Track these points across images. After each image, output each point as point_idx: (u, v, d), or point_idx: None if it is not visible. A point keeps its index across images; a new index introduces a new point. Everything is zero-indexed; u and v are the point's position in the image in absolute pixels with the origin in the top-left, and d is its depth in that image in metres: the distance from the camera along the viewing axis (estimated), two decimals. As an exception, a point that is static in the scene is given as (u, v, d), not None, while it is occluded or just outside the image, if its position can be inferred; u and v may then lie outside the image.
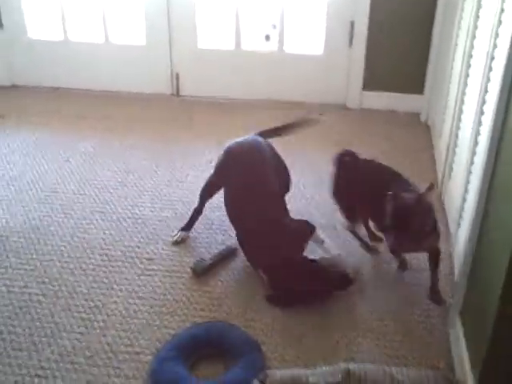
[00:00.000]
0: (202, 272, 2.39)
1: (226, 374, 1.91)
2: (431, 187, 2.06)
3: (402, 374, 1.72)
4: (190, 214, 2.70)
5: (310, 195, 2.92)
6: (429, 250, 2.21)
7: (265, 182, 2.39)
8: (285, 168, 2.60)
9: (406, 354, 2.01)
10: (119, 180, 3.07)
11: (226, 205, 2.46)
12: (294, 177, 3.02)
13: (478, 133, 2.19)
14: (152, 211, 2.81)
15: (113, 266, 2.45)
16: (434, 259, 2.22)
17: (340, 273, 2.19)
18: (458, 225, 2.38)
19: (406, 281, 2.36)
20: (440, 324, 2.12)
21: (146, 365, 1.98)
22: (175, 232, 2.62)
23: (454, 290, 2.14)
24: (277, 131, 2.71)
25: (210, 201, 2.86)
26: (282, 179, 2.52)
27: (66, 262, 2.47)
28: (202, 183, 2.98)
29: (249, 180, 2.40)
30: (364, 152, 2.56)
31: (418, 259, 2.39)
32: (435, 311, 2.18)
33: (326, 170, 3.03)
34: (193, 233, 2.65)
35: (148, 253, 2.53)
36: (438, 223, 2.20)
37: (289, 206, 2.78)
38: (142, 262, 2.47)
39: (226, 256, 2.49)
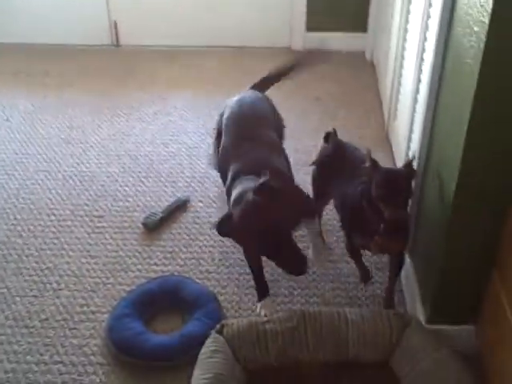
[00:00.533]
0: (154, 226, 2.37)
1: (184, 327, 1.92)
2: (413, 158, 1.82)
3: (356, 314, 1.76)
4: (138, 167, 2.67)
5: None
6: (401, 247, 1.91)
7: (268, 135, 2.15)
8: (281, 121, 2.38)
9: (359, 294, 2.06)
10: (62, 137, 2.98)
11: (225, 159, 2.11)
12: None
13: (420, 71, 2.19)
14: (99, 167, 2.75)
15: (62, 226, 2.40)
16: (398, 262, 1.95)
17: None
18: (405, 163, 2.40)
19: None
20: (391, 262, 2.16)
21: (103, 323, 1.97)
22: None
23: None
24: (268, 81, 2.53)
25: (158, 151, 2.83)
26: (279, 133, 2.30)
27: (12, 224, 2.42)
28: (148, 135, 2.95)
29: (252, 132, 2.13)
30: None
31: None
32: (386, 250, 2.22)
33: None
34: (141, 186, 2.61)
35: (97, 210, 2.49)
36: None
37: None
38: (91, 220, 2.43)
39: (177, 209, 2.47)
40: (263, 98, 2.34)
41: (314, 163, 2.17)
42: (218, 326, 1.73)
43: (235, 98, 2.29)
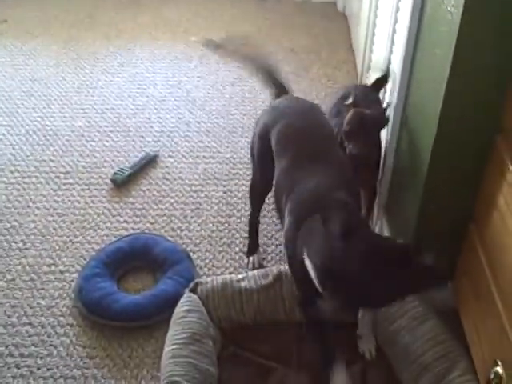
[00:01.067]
0: (123, 182, 2.29)
1: (156, 286, 1.87)
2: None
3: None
4: (104, 122, 2.59)
5: (228, 95, 2.81)
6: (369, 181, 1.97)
7: (335, 153, 1.73)
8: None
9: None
10: (24, 90, 2.86)
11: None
12: (212, 77, 2.93)
13: (396, 20, 2.13)
14: (64, 121, 2.65)
15: (26, 183, 2.31)
16: (371, 197, 2.00)
17: None
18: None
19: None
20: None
21: (72, 283, 1.91)
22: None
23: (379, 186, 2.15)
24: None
25: (125, 105, 2.74)
26: None
27: (-26, 182, 2.32)
28: (114, 88, 2.85)
29: (317, 151, 1.68)
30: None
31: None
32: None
33: (241, 66, 2.95)
34: (108, 141, 2.53)
35: (63, 166, 2.40)
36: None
37: (208, 107, 2.72)
38: (57, 177, 2.34)
39: (146, 164, 2.39)
40: (316, 106, 1.89)
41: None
42: (191, 285, 1.69)
43: (282, 105, 1.81)
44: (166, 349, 1.51)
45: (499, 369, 1.32)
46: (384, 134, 1.97)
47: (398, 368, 1.57)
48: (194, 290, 1.69)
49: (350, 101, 1.90)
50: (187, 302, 1.63)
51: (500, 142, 1.41)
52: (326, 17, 3.46)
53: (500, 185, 1.38)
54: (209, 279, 1.73)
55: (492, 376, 1.32)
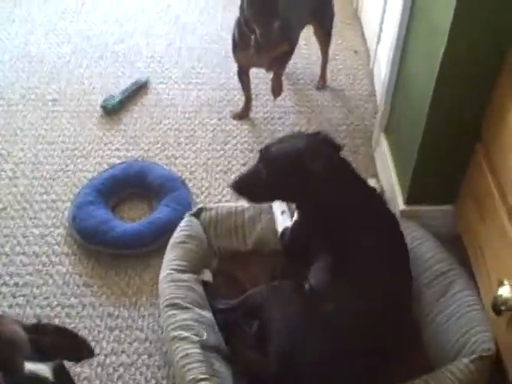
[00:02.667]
0: (113, 109, 2.21)
1: (152, 214, 1.83)
2: None
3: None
4: (91, 48, 2.49)
5: (220, 19, 2.70)
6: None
7: None
8: None
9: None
10: (5, 15, 2.73)
11: None
12: (202, 1, 2.81)
13: None
14: (49, 48, 2.54)
15: (13, 111, 2.23)
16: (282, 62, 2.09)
17: None
18: (378, 40, 2.28)
19: (324, 104, 2.27)
20: (364, 145, 2.09)
21: (65, 212, 1.87)
22: None
23: (377, 109, 2.09)
24: None
25: (112, 31, 2.64)
26: None
27: (-42, 110, 2.23)
28: (100, 13, 2.73)
29: None
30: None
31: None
32: (359, 132, 2.14)
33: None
34: (96, 68, 2.43)
35: (50, 93, 2.31)
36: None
37: (199, 32, 2.62)
38: (45, 104, 2.26)
39: (137, 91, 2.30)
40: None
41: None
42: (194, 210, 1.65)
43: None
44: (165, 272, 1.49)
45: (506, 287, 1.31)
46: (387, 54, 1.91)
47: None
48: (196, 215, 1.65)
49: None
50: (188, 226, 1.59)
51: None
52: None
53: (511, 100, 1.33)
54: (214, 206, 1.69)
55: (498, 294, 1.31)
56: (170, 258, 1.52)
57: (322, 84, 2.33)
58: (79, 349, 1.12)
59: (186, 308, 1.39)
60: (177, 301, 1.40)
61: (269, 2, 1.83)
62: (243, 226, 1.65)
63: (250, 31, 1.88)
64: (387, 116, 1.93)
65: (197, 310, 1.40)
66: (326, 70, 2.34)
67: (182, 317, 1.36)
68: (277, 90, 2.11)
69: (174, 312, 1.37)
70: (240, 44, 1.98)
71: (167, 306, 1.40)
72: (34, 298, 1.65)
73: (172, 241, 1.57)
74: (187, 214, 1.65)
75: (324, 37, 2.25)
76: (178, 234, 1.58)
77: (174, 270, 1.48)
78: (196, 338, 1.32)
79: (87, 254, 1.76)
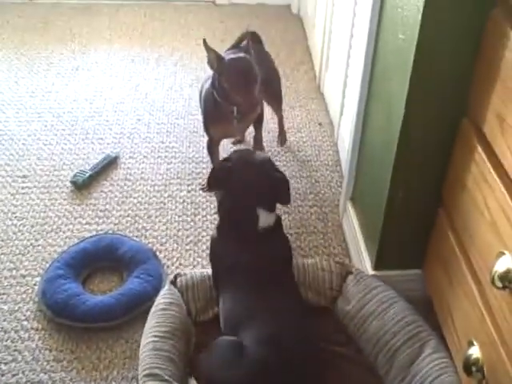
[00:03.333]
0: (83, 184, 2.24)
1: (123, 286, 1.83)
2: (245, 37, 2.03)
3: (298, 262, 1.73)
4: (61, 125, 2.53)
5: (187, 96, 2.79)
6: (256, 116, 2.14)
7: None
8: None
9: (302, 245, 2.02)
10: (-25, 95, 2.77)
11: None
12: (170, 79, 2.90)
13: (352, 25, 2.17)
14: (18, 125, 2.57)
15: (-18, 188, 2.24)
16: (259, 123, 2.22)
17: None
18: (341, 113, 2.37)
19: (291, 175, 2.32)
20: (332, 213, 2.14)
21: (35, 287, 1.85)
22: None
23: (343, 178, 2.15)
24: None
25: (82, 108, 2.69)
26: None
27: None
28: (70, 91, 2.79)
29: None
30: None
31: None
32: (326, 201, 2.19)
33: (201, 69, 2.95)
34: (66, 144, 2.47)
35: (20, 170, 2.33)
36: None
37: (168, 109, 2.69)
38: (14, 181, 2.27)
39: (107, 166, 2.34)
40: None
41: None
42: (171, 277, 1.66)
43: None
44: (146, 340, 1.46)
45: (475, 348, 1.33)
46: (349, 126, 1.98)
47: (371, 353, 1.56)
48: (173, 283, 1.65)
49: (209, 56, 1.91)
50: (168, 294, 1.59)
51: (466, 124, 1.43)
52: (281, 19, 3.47)
53: (468, 165, 1.40)
54: (187, 271, 1.70)
55: (468, 355, 1.33)
56: (152, 325, 1.51)
57: (282, 139, 2.40)
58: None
59: (166, 380, 1.36)
60: (157, 371, 1.37)
61: (248, 71, 1.86)
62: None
63: (230, 103, 1.90)
64: (352, 184, 1.99)
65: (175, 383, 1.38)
66: (283, 125, 2.40)
67: (161, 389, 1.34)
68: (260, 144, 2.25)
69: (154, 383, 1.35)
70: (215, 117, 2.00)
71: (146, 375, 1.37)
72: (2, 375, 1.61)
73: (154, 308, 1.56)
74: (168, 282, 1.65)
75: (274, 96, 2.29)
76: (159, 301, 1.57)
77: (157, 337, 1.46)
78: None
79: (57, 329, 1.74)
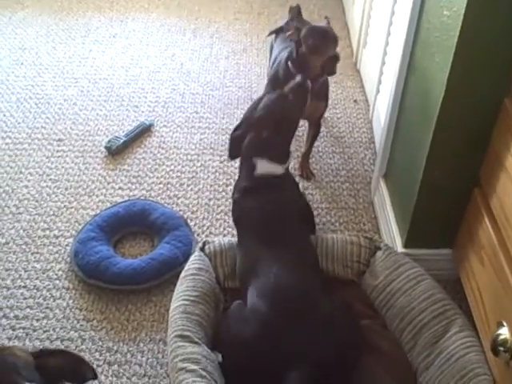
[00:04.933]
0: (117, 150, 2.26)
1: (154, 251, 1.85)
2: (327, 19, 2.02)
3: (326, 236, 1.73)
4: (97, 91, 2.56)
5: (223, 68, 2.78)
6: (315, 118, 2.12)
7: None
8: None
9: (332, 220, 2.02)
10: (14, 58, 2.80)
11: None
12: (206, 50, 2.90)
13: (395, 1, 2.14)
14: (55, 90, 2.60)
15: (18, 149, 2.27)
16: (315, 132, 2.16)
17: None
18: (377, 91, 2.35)
19: (324, 151, 2.32)
20: (364, 190, 2.13)
21: (67, 248, 1.88)
22: None
23: (376, 156, 2.14)
24: None
25: (118, 75, 2.71)
26: None
27: (-36, 147, 2.27)
28: (106, 59, 2.81)
29: None
30: (277, 23, 2.47)
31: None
32: (358, 177, 2.19)
33: (238, 42, 2.94)
34: (102, 110, 2.49)
35: (56, 133, 2.35)
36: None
37: (203, 80, 2.69)
38: (50, 144, 2.30)
39: (141, 133, 2.36)
40: None
41: (270, 33, 2.30)
42: (200, 244, 1.67)
43: None
44: (177, 303, 1.48)
45: (505, 329, 1.33)
46: (385, 104, 1.97)
47: (396, 329, 1.56)
48: (202, 249, 1.67)
49: (291, 30, 1.95)
50: (198, 260, 1.61)
51: (509, 105, 1.41)
52: (320, -5, 3.44)
53: (508, 145, 1.38)
54: (216, 239, 1.71)
55: (497, 335, 1.33)
56: (183, 289, 1.52)
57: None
58: (82, 371, 1.13)
59: (196, 343, 1.38)
60: (187, 333, 1.39)
61: (327, 33, 1.92)
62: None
63: (304, 69, 1.88)
64: (386, 162, 1.98)
65: (205, 347, 1.40)
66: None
67: (191, 350, 1.35)
68: (306, 162, 2.19)
69: (184, 344, 1.36)
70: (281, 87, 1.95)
71: (177, 336, 1.38)
72: (34, 331, 1.65)
73: (184, 273, 1.58)
74: (197, 248, 1.66)
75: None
76: (189, 267, 1.59)
77: (187, 300, 1.48)
78: (204, 373, 1.31)
79: (88, 289, 1.77)
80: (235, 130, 1.72)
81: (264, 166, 1.63)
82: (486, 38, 1.36)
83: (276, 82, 2.02)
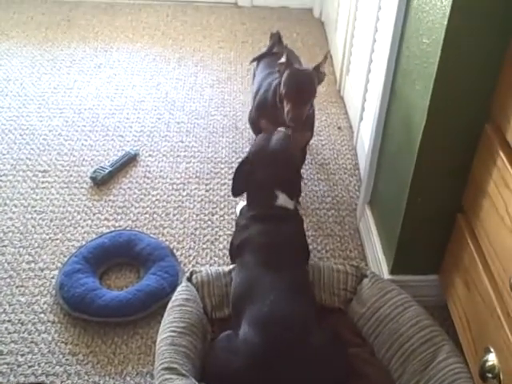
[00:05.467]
0: (102, 180, 2.25)
1: (140, 282, 1.83)
2: (326, 58, 1.96)
3: (314, 264, 1.73)
4: (82, 121, 2.56)
5: (208, 96, 2.80)
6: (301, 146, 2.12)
7: None
8: None
9: (319, 247, 2.02)
10: (-1, 90, 2.80)
11: None
12: (191, 79, 2.91)
13: (376, 30, 2.17)
14: (40, 121, 2.60)
15: (3, 181, 2.26)
16: (302, 159, 2.18)
17: None
18: (361, 118, 2.37)
19: (309, 178, 2.33)
20: (349, 216, 2.14)
21: (53, 280, 1.87)
22: None
23: (361, 182, 2.16)
24: None
25: (103, 105, 2.71)
26: None
27: None
28: (91, 89, 2.81)
29: None
30: (261, 51, 2.50)
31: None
32: (343, 204, 2.20)
33: (222, 70, 2.97)
34: (87, 140, 2.49)
35: (41, 164, 2.35)
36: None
37: (188, 108, 2.70)
38: (35, 175, 2.29)
39: (126, 163, 2.36)
40: None
41: (253, 60, 2.35)
42: (187, 274, 1.67)
43: None
44: (164, 335, 1.46)
45: (492, 355, 1.33)
46: (369, 131, 1.98)
47: (385, 356, 1.56)
48: (189, 279, 1.66)
49: (283, 59, 1.94)
50: (185, 290, 1.60)
51: (489, 130, 1.43)
52: (303, 23, 3.48)
53: (490, 171, 1.39)
54: (203, 268, 1.70)
55: (484, 361, 1.33)
56: (170, 320, 1.51)
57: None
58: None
59: (184, 375, 1.36)
60: (175, 365, 1.37)
61: (306, 87, 1.89)
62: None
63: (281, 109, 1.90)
64: (371, 189, 1.99)
65: (193, 379, 1.38)
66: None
67: (178, 382, 1.33)
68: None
69: (171, 376, 1.34)
70: (265, 111, 2.02)
71: (164, 369, 1.37)
72: (19, 366, 1.63)
73: (171, 304, 1.57)
74: (184, 279, 1.66)
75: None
76: (176, 297, 1.58)
77: (174, 332, 1.46)
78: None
79: (74, 323, 1.75)
80: (241, 165, 1.75)
81: (283, 199, 1.68)
82: (465, 65, 1.38)
83: (264, 108, 2.03)
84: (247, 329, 1.43)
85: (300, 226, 1.76)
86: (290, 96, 1.86)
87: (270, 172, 1.70)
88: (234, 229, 2.04)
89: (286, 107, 1.86)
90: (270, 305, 1.46)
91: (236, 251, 1.69)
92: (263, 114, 2.04)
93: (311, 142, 2.36)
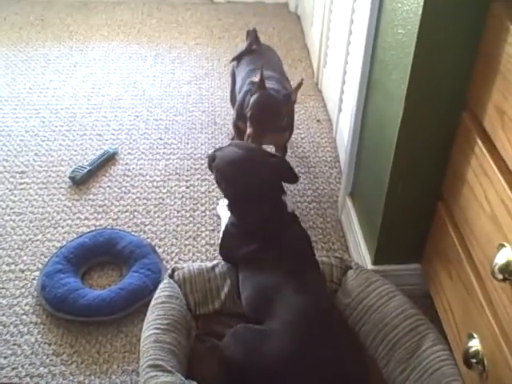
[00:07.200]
0: (81, 180, 2.23)
1: (123, 281, 1.82)
2: (300, 84, 1.95)
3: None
4: (59, 121, 2.53)
5: (186, 93, 2.79)
6: (280, 145, 2.15)
7: None
8: None
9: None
10: (-27, 91, 2.77)
11: None
12: (168, 76, 2.90)
13: (352, 21, 2.17)
14: (16, 122, 2.57)
15: (-20, 183, 2.23)
16: (282, 151, 2.17)
17: None
18: (339, 110, 2.38)
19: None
20: (331, 209, 2.15)
21: (34, 282, 1.85)
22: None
23: (342, 174, 2.16)
24: None
25: (80, 104, 2.68)
26: None
27: None
28: (67, 88, 2.78)
29: None
30: (237, 46, 2.50)
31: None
32: (325, 197, 2.20)
33: (199, 66, 2.96)
34: (64, 140, 2.46)
35: (18, 165, 2.32)
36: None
37: (166, 105, 2.69)
38: (12, 176, 2.27)
39: (105, 161, 2.34)
40: None
41: (233, 59, 2.31)
42: (169, 271, 1.66)
43: None
44: (148, 332, 1.46)
45: (476, 340, 1.34)
46: (348, 122, 1.99)
47: (371, 346, 1.57)
48: (171, 276, 1.65)
49: (255, 79, 1.92)
50: (168, 287, 1.59)
51: (466, 118, 1.43)
52: (279, 17, 3.48)
53: (468, 158, 1.40)
54: (185, 265, 1.70)
55: (468, 347, 1.34)
56: (153, 317, 1.50)
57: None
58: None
59: (169, 371, 1.35)
60: (160, 362, 1.36)
61: (270, 115, 1.87)
62: (215, 280, 1.66)
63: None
64: (351, 180, 2.00)
65: (179, 375, 1.37)
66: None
67: (164, 379, 1.32)
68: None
69: (157, 373, 1.34)
70: (242, 117, 1.98)
71: (149, 366, 1.36)
72: (2, 368, 1.61)
73: (153, 301, 1.56)
74: (166, 276, 1.65)
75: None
76: (159, 295, 1.57)
77: (158, 329, 1.45)
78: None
79: (57, 323, 1.73)
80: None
81: (289, 202, 1.67)
82: (440, 54, 1.39)
83: (241, 111, 2.00)
84: (278, 324, 1.43)
85: (301, 226, 1.72)
86: (253, 121, 1.86)
87: (255, 182, 1.64)
88: (215, 224, 2.06)
89: (248, 129, 1.86)
90: (297, 307, 1.46)
91: (244, 263, 1.62)
92: (241, 115, 2.02)
93: (290, 136, 2.36)
